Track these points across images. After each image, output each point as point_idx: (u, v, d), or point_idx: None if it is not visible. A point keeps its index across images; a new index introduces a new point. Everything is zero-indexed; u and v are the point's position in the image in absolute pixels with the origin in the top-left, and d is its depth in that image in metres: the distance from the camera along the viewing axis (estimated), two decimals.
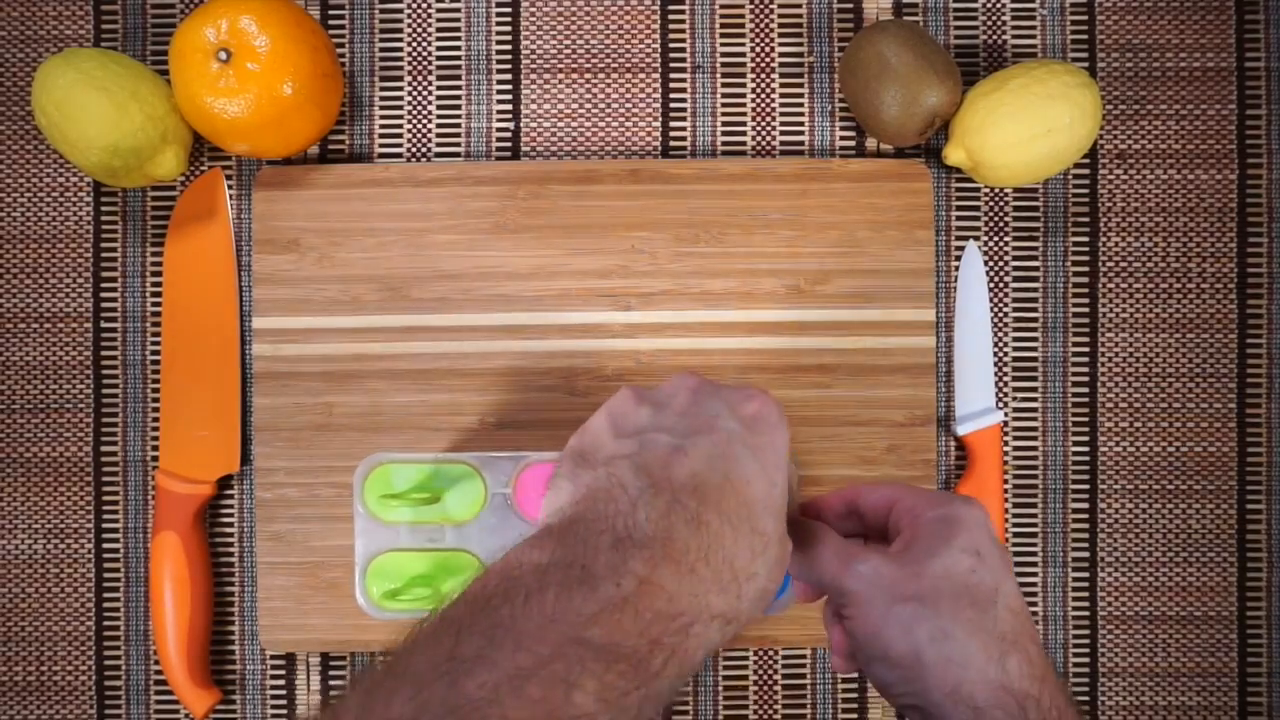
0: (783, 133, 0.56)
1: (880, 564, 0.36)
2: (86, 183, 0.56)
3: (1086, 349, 0.56)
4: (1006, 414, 0.56)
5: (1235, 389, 0.56)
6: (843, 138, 0.56)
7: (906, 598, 0.35)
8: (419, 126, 0.56)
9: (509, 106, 0.56)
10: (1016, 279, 0.56)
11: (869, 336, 0.54)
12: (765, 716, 0.55)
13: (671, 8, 0.56)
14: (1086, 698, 0.56)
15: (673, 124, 0.56)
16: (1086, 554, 0.56)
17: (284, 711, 0.55)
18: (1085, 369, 0.56)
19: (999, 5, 0.56)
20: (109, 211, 0.56)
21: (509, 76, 0.56)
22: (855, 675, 0.55)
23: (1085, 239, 0.56)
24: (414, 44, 0.56)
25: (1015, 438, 0.56)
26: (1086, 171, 0.56)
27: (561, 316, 0.54)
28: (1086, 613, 0.56)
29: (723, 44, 0.56)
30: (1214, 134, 0.56)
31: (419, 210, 0.54)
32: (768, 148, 0.56)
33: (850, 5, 0.56)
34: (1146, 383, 0.56)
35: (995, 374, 0.56)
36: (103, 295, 0.56)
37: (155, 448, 0.55)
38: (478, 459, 0.50)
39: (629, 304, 0.54)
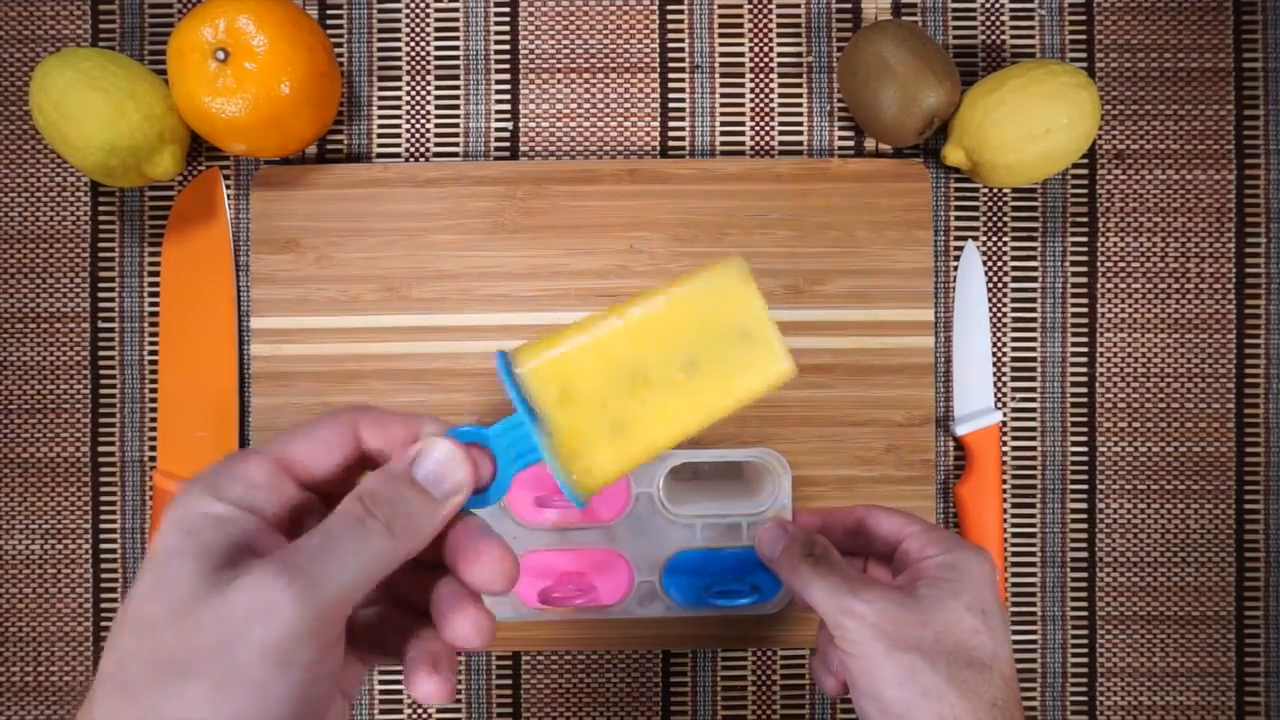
0: (781, 133, 0.56)
1: (884, 605, 0.36)
2: (84, 182, 0.56)
3: (1085, 349, 0.56)
4: (1005, 414, 0.56)
5: (1234, 389, 0.56)
6: (841, 138, 0.56)
7: (908, 646, 0.35)
8: (417, 126, 0.56)
9: (507, 106, 0.56)
10: (1015, 279, 0.56)
11: (868, 336, 0.54)
12: (764, 717, 0.55)
13: (670, 8, 0.56)
14: (1085, 698, 0.56)
15: (671, 124, 0.56)
16: (1085, 554, 0.56)
17: None
18: (1084, 369, 0.56)
19: (997, 5, 0.56)
20: (106, 211, 0.56)
21: (507, 76, 0.56)
22: None
23: (1084, 239, 0.56)
24: (412, 44, 0.56)
25: (1014, 438, 0.56)
26: (1085, 172, 0.56)
27: (560, 316, 0.54)
28: (1085, 613, 0.56)
29: (721, 44, 0.56)
30: (1212, 134, 0.56)
31: (417, 210, 0.54)
32: (766, 148, 0.56)
33: (849, 5, 0.56)
34: (1145, 383, 0.56)
35: (994, 374, 0.56)
36: (100, 295, 0.56)
37: (153, 448, 0.55)
38: None
39: None
